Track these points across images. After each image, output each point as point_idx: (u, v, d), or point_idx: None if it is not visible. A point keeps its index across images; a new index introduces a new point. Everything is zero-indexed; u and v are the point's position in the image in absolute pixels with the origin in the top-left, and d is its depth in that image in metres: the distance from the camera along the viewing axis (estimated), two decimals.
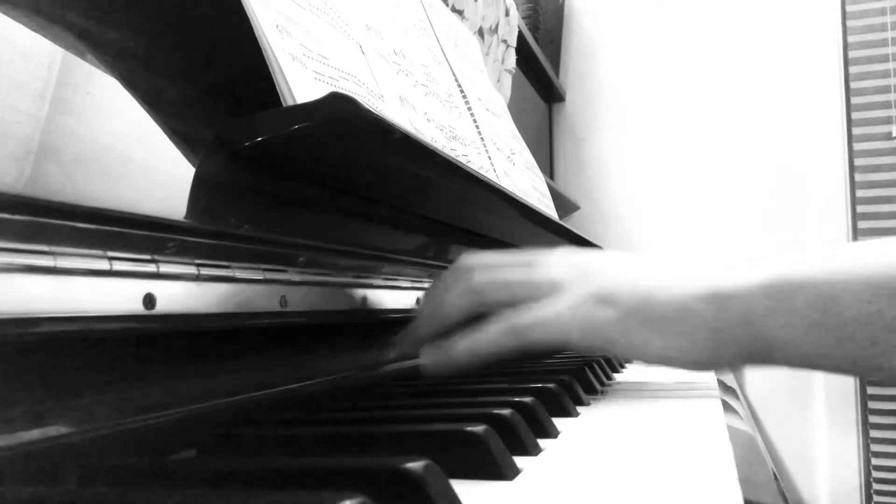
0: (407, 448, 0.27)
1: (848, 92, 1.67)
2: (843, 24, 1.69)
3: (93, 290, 0.23)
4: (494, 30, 1.13)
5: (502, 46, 1.17)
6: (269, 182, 0.36)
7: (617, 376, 0.64)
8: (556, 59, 1.84)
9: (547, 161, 1.84)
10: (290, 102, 0.35)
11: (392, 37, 0.56)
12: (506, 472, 0.26)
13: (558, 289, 0.44)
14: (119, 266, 0.24)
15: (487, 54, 1.09)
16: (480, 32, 1.07)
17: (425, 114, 0.55)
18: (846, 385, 1.61)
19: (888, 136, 1.65)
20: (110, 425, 0.26)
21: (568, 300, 0.43)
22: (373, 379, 0.47)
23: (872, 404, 1.62)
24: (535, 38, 1.53)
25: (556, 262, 0.46)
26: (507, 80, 1.19)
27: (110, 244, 0.24)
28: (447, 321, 0.46)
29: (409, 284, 0.48)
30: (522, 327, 0.43)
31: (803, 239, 1.65)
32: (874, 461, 1.60)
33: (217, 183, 0.32)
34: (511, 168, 0.77)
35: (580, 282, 0.44)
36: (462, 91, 0.70)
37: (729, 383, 0.58)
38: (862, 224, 1.66)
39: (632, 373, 0.66)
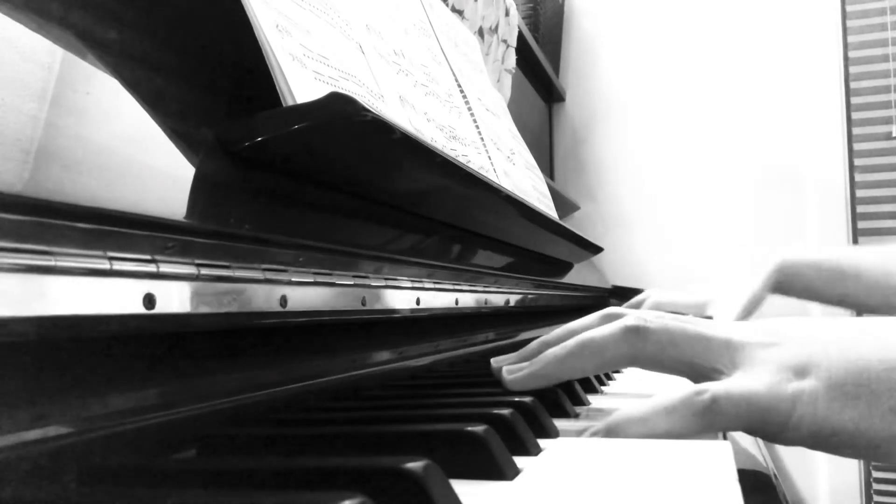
0: (407, 448, 0.27)
1: (848, 92, 1.68)
2: (843, 24, 1.69)
3: (93, 290, 0.23)
4: (494, 30, 1.13)
5: (502, 46, 1.17)
6: (269, 182, 0.36)
7: (617, 376, 0.64)
8: (556, 59, 1.84)
9: (547, 161, 1.84)
10: (290, 102, 0.35)
11: (392, 37, 0.56)
12: (506, 472, 0.26)
13: (738, 352, 0.36)
14: (119, 266, 0.24)
15: (487, 54, 1.09)
16: (480, 32, 1.07)
17: (425, 114, 0.55)
18: None
19: (888, 136, 1.65)
20: (110, 425, 0.26)
21: (758, 372, 0.35)
22: (373, 379, 0.47)
23: None
24: (535, 38, 1.53)
25: (733, 323, 0.39)
26: (507, 80, 1.19)
27: (110, 244, 0.24)
28: (595, 361, 0.39)
29: (409, 284, 0.48)
30: (715, 402, 0.34)
31: (803, 239, 1.65)
32: (874, 461, 1.60)
33: (217, 183, 0.32)
34: (511, 168, 0.77)
35: (767, 347, 0.36)
36: (462, 91, 0.70)
37: None
38: (862, 224, 1.66)
39: (629, 376, 0.66)
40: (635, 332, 0.38)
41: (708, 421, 0.34)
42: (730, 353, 0.37)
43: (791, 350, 0.35)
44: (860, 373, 0.33)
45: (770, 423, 0.34)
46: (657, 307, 1.13)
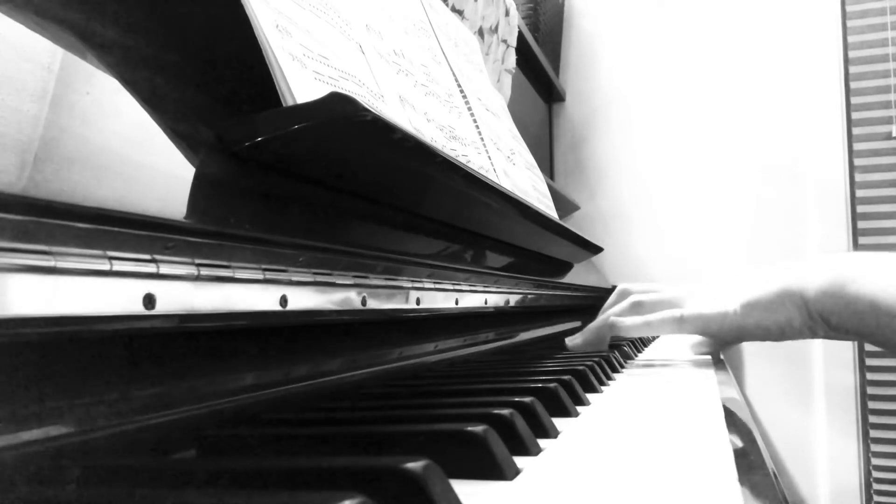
0: (407, 448, 0.27)
1: (848, 92, 1.68)
2: (843, 24, 1.69)
3: (93, 290, 0.23)
4: (494, 30, 1.13)
5: (502, 46, 1.17)
6: (269, 182, 0.36)
7: (616, 376, 0.64)
8: (556, 59, 1.84)
9: (547, 161, 1.84)
10: (290, 102, 0.35)
11: (392, 37, 0.56)
12: (506, 472, 0.26)
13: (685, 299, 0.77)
14: (119, 266, 0.24)
15: (487, 54, 1.09)
16: (480, 32, 1.07)
17: (425, 114, 0.55)
18: (846, 386, 1.61)
19: (888, 136, 1.65)
20: (110, 425, 0.26)
21: (701, 307, 0.73)
22: (373, 379, 0.47)
23: (872, 404, 1.62)
24: (535, 38, 1.53)
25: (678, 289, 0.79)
26: (507, 80, 1.19)
27: (110, 244, 0.24)
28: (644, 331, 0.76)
29: (409, 284, 0.48)
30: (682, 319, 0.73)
31: (803, 238, 1.65)
32: (874, 461, 1.60)
33: (217, 183, 0.32)
34: (511, 168, 0.77)
35: (699, 295, 0.77)
36: (462, 91, 0.70)
37: (727, 384, 0.58)
38: (862, 224, 1.66)
39: (630, 375, 0.66)
40: (638, 303, 0.77)
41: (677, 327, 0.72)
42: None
43: (712, 293, 0.72)
44: (754, 299, 0.67)
45: (713, 328, 0.70)
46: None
